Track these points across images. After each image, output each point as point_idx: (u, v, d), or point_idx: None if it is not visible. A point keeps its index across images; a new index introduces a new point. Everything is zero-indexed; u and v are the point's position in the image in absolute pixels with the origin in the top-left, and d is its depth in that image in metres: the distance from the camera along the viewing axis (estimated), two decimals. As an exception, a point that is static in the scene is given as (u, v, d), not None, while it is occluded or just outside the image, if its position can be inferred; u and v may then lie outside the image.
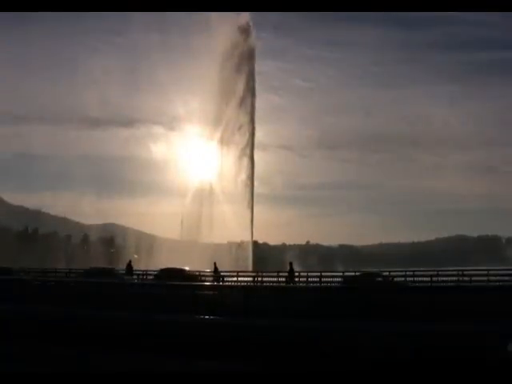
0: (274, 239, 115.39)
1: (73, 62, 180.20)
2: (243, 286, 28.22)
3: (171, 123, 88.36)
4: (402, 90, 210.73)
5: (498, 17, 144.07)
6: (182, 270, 36.15)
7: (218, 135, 63.12)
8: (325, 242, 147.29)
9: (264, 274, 40.28)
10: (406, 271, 37.01)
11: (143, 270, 40.82)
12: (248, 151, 61.41)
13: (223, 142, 63.28)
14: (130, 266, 38.61)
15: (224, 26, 61.76)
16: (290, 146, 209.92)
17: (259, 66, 65.26)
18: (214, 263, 38.31)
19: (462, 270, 35.90)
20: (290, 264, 35.70)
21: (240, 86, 62.65)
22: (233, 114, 62.35)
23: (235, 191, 61.34)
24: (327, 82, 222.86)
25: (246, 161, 61.25)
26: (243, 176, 60.96)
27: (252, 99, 62.25)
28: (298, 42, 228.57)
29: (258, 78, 63.76)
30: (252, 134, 61.78)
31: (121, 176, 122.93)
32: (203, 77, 69.29)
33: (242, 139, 62.11)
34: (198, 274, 37.26)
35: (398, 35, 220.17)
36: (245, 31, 62.89)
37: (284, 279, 34.42)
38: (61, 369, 12.26)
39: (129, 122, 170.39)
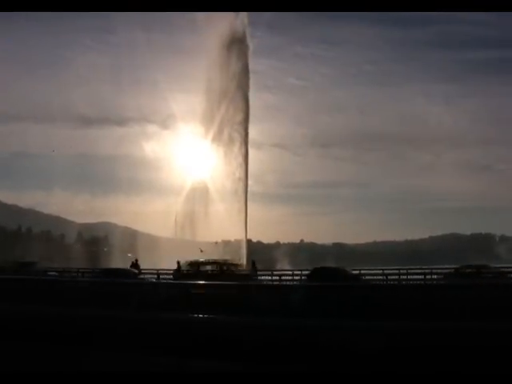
0: (268, 237, 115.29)
1: (66, 60, 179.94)
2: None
3: (165, 122, 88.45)
4: (397, 89, 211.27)
5: (495, 16, 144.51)
6: (340, 269, 33.03)
7: (211, 133, 63.13)
8: (319, 241, 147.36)
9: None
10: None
11: (157, 270, 39.69)
12: (242, 149, 61.43)
13: (217, 140, 63.30)
14: (136, 265, 37.94)
15: (218, 25, 61.73)
16: (284, 144, 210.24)
17: (253, 64, 65.25)
18: (178, 262, 37.69)
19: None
20: (253, 262, 35.53)
21: (234, 85, 62.67)
22: (226, 112, 62.34)
23: (229, 189, 61.40)
24: (321, 81, 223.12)
25: (239, 159, 61.28)
26: (237, 174, 61.00)
27: (246, 97, 62.26)
28: (292, 41, 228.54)
29: (251, 77, 63.75)
30: (246, 133, 61.82)
31: (115, 175, 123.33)
32: (197, 75, 69.40)
33: (235, 137, 62.17)
34: (358, 273, 34.62)
35: (393, 34, 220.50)
36: (239, 29, 62.89)
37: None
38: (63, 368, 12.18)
39: (122, 121, 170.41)
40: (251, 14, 62.40)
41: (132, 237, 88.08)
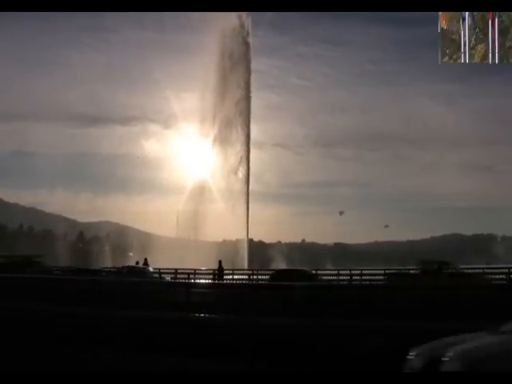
0: (269, 237, 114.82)
1: (67, 59, 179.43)
2: None
3: (167, 121, 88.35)
4: (399, 89, 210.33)
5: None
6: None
7: (213, 133, 63.20)
8: (320, 240, 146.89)
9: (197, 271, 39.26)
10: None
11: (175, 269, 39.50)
12: (244, 149, 61.47)
13: (219, 139, 63.36)
14: (146, 265, 37.84)
15: (220, 24, 61.79)
16: (285, 143, 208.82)
17: (255, 64, 65.33)
18: (145, 259, 37.40)
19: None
20: (219, 262, 35.38)
21: (235, 84, 62.68)
22: (228, 111, 62.38)
23: (231, 189, 61.47)
24: (324, 80, 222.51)
25: (241, 159, 61.32)
26: (239, 174, 61.06)
27: (247, 97, 62.27)
28: (295, 40, 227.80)
29: (253, 76, 63.84)
30: (248, 132, 61.86)
31: (116, 174, 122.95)
32: (199, 74, 69.35)
33: (237, 137, 62.20)
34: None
35: (395, 33, 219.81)
36: (241, 29, 62.88)
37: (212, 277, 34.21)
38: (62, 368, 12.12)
39: (124, 120, 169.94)
40: (253, 14, 62.44)
41: (133, 236, 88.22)
